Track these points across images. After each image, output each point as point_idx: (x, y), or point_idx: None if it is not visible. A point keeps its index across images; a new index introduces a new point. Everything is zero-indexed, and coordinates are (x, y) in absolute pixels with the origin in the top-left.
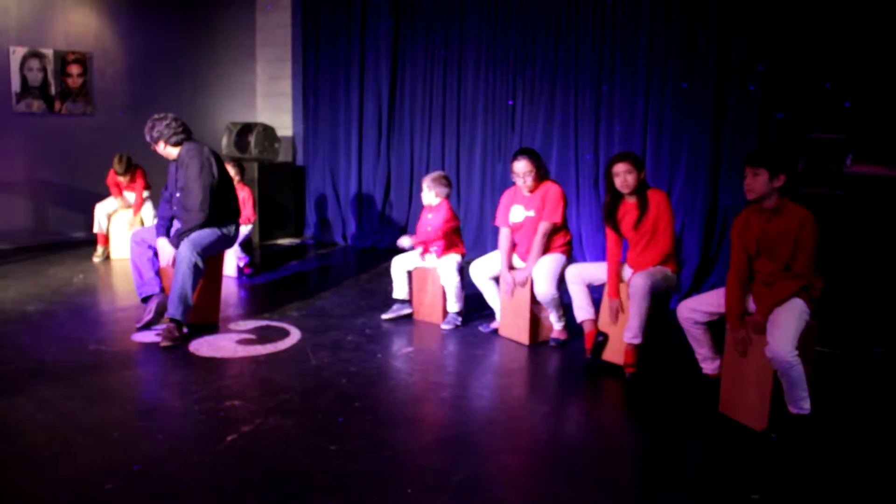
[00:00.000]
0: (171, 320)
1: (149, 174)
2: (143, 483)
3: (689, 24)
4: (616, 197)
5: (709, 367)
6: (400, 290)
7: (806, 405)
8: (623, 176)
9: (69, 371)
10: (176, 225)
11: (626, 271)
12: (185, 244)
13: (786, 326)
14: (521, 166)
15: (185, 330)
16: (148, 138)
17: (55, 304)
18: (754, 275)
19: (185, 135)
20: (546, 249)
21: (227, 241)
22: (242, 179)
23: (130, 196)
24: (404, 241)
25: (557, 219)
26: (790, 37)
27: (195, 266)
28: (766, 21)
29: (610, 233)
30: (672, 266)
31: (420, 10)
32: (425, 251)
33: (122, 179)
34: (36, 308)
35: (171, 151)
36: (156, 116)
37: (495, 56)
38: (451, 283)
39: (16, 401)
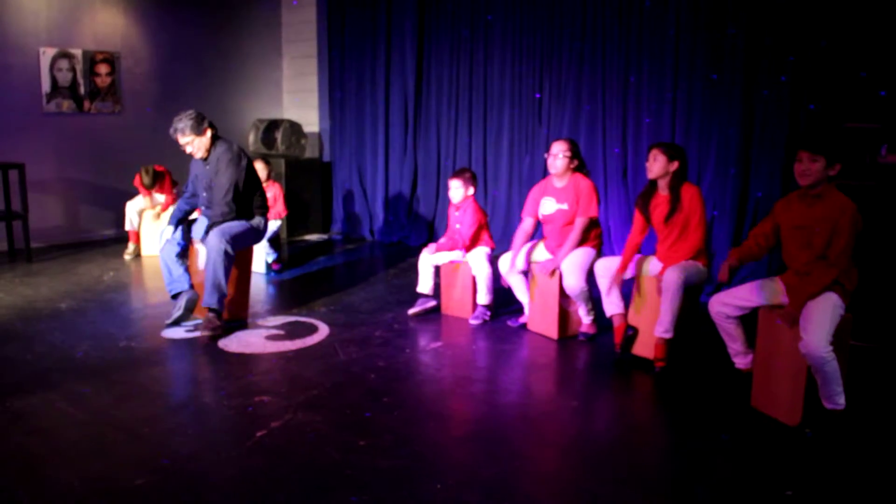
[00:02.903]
0: (210, 310)
1: (174, 175)
2: (173, 479)
3: (717, 13)
4: (653, 183)
5: (741, 361)
6: (424, 285)
7: (841, 400)
8: (650, 161)
9: (100, 367)
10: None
11: (655, 265)
12: (214, 233)
13: (820, 321)
14: (557, 146)
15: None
16: (179, 134)
17: (87, 302)
18: (788, 265)
19: (215, 130)
20: (579, 244)
21: (256, 235)
22: (270, 176)
23: (159, 196)
24: (431, 250)
25: (594, 213)
26: (822, 25)
27: (225, 253)
28: (796, 9)
29: (638, 217)
30: (703, 260)
31: (445, 3)
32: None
33: (149, 188)
34: (68, 305)
35: (202, 145)
36: (185, 113)
37: (521, 48)
38: (483, 273)
39: (49, 397)
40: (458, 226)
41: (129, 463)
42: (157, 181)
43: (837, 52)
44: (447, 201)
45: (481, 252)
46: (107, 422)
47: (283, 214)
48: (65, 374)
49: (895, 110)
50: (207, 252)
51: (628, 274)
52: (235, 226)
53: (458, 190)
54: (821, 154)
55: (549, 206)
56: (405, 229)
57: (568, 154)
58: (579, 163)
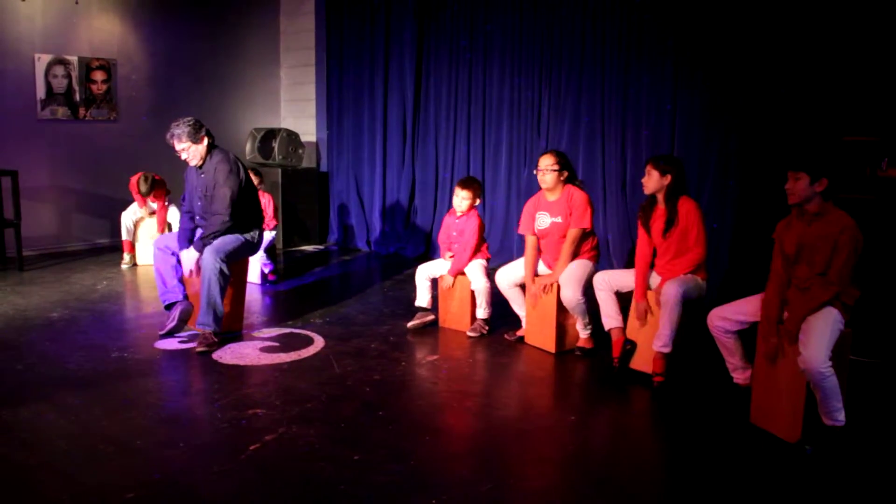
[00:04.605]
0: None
1: (170, 185)
2: (165, 492)
3: (716, 25)
4: (653, 196)
5: (740, 376)
6: (422, 298)
7: (840, 416)
8: (645, 176)
9: (92, 378)
10: (199, 234)
11: (655, 279)
12: (209, 251)
13: (819, 337)
14: (544, 160)
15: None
16: (175, 140)
17: (79, 311)
18: (791, 281)
19: (212, 139)
20: (574, 255)
21: (251, 248)
22: (264, 186)
23: (154, 203)
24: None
25: (586, 224)
26: (821, 37)
27: (220, 272)
28: (796, 21)
29: (641, 232)
30: (703, 274)
31: (445, 14)
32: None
33: (144, 196)
34: (60, 315)
35: (198, 153)
36: (182, 120)
37: (521, 59)
38: (481, 286)
39: (39, 408)
40: (454, 234)
41: (119, 476)
42: (153, 190)
43: (837, 64)
44: (444, 212)
45: (478, 265)
46: (98, 434)
47: (272, 226)
48: (55, 384)
49: (895, 123)
50: (203, 271)
51: (626, 287)
52: (230, 241)
53: (465, 200)
54: (801, 171)
55: (543, 220)
56: (402, 240)
57: (555, 168)
58: (570, 173)
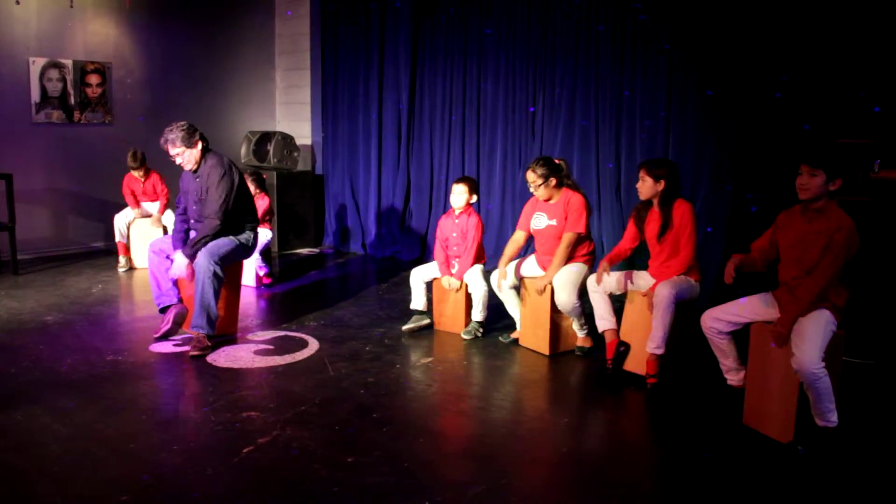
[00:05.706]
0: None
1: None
2: (158, 495)
3: (712, 28)
4: (650, 199)
5: (733, 377)
6: (417, 301)
7: (833, 417)
8: (639, 182)
9: (86, 381)
10: (192, 236)
11: (647, 280)
12: (203, 254)
13: (812, 338)
14: (529, 176)
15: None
16: (169, 145)
17: (73, 315)
18: (781, 279)
19: (206, 143)
20: (568, 259)
21: (245, 251)
22: (263, 189)
23: (149, 207)
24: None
25: (581, 229)
26: (816, 41)
27: (214, 274)
28: (791, 25)
29: (631, 227)
30: (695, 276)
31: (440, 16)
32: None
33: (137, 175)
34: (54, 318)
35: (192, 157)
36: (176, 125)
37: (515, 62)
38: (480, 290)
39: (33, 411)
40: (454, 234)
41: (113, 479)
42: (143, 165)
43: (831, 68)
44: (439, 215)
45: (477, 269)
46: (92, 437)
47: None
48: (49, 388)
49: (888, 126)
50: (196, 274)
51: (620, 289)
52: (224, 244)
53: (461, 195)
54: (820, 168)
55: (539, 221)
56: (398, 243)
57: (540, 182)
58: (559, 179)
